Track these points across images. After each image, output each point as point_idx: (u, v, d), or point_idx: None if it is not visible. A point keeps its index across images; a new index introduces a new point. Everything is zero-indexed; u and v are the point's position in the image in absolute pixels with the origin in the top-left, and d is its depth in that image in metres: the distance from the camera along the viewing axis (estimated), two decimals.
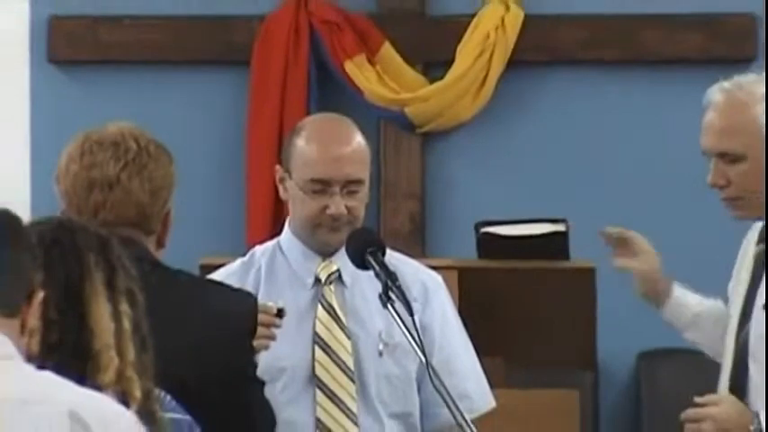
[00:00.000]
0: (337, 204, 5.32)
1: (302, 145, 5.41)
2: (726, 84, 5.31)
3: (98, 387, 3.57)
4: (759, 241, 5.49)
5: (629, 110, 7.10)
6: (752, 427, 5.35)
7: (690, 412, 5.51)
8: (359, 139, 5.44)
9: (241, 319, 4.88)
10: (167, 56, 7.50)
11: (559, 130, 7.27)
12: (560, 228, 6.76)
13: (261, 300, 5.14)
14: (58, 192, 4.88)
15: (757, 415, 5.38)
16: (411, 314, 4.98)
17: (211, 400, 4.27)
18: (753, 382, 5.44)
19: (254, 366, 4.91)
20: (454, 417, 4.79)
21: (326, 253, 5.39)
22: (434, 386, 4.95)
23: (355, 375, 5.39)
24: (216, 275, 5.45)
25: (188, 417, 3.98)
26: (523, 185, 7.42)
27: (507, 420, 5.58)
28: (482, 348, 5.62)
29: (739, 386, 5.47)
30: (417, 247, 6.76)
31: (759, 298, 5.44)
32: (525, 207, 7.18)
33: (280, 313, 5.06)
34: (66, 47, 7.51)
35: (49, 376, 3.45)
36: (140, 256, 4.29)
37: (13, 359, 3.39)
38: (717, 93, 5.31)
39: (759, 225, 5.49)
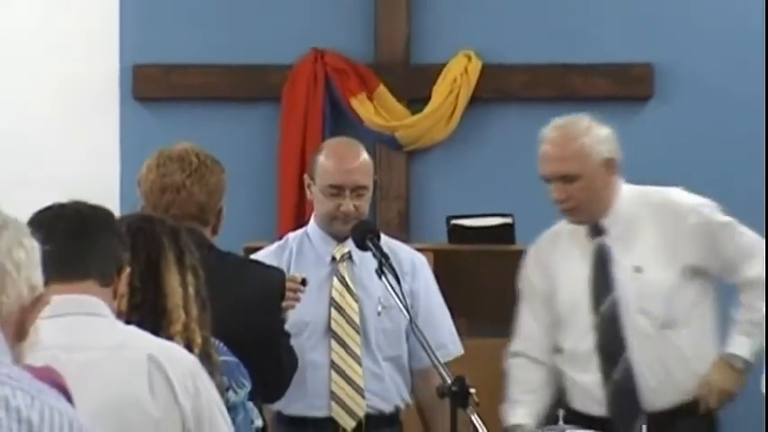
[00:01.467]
0: (348, 204, 5.40)
1: (323, 160, 5.48)
2: (557, 122, 5.26)
3: (169, 337, 3.68)
4: (594, 236, 5.36)
5: None
6: (738, 366, 5.26)
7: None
8: (365, 156, 5.52)
9: (272, 288, 4.95)
10: (220, 94, 7.43)
11: (508, 150, 7.21)
12: (508, 221, 6.80)
13: (292, 272, 5.22)
14: (138, 193, 4.95)
15: (732, 354, 5.22)
16: (399, 283, 5.04)
17: (251, 347, 4.28)
18: (647, 330, 5.28)
19: (283, 322, 4.98)
20: (431, 359, 4.84)
21: (340, 239, 5.47)
22: (416, 336, 5.01)
23: (360, 329, 5.46)
24: (257, 255, 5.55)
25: (235, 359, 4.03)
26: (482, 190, 7.34)
27: (471, 362, 5.43)
28: (452, 310, 5.63)
29: (611, 343, 5.29)
30: (404, 235, 6.75)
31: (619, 267, 5.31)
32: (483, 205, 7.08)
33: (303, 282, 5.07)
34: (146, 88, 7.45)
35: (133, 329, 3.53)
36: (200, 242, 4.39)
37: (108, 317, 3.46)
38: (551, 130, 5.28)
39: (555, 230, 5.51)
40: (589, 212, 5.31)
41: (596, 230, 5.34)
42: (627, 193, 5.37)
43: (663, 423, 5.21)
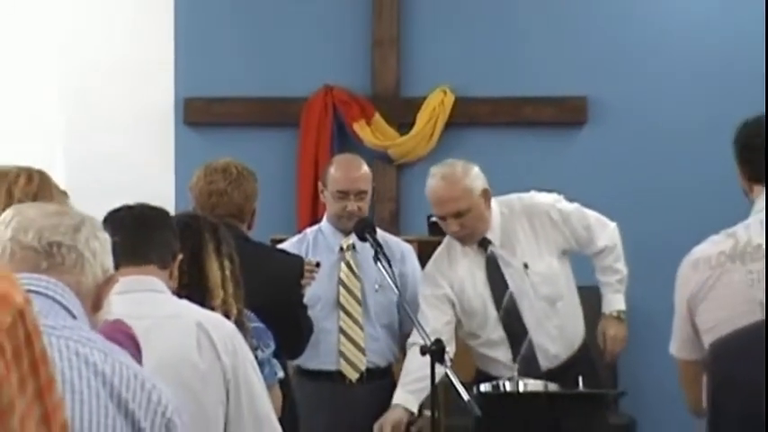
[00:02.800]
0: (352, 205, 5.41)
1: (333, 172, 5.48)
2: (439, 171, 5.20)
3: (212, 308, 3.68)
4: (483, 248, 5.26)
5: (517, 152, 6.94)
6: (623, 317, 5.33)
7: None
8: (365, 168, 5.53)
9: (293, 270, 4.97)
10: (251, 120, 7.39)
11: (475, 164, 7.11)
12: None
13: (309, 258, 5.22)
14: (190, 197, 4.96)
15: (617, 310, 5.33)
16: (390, 267, 5.05)
17: (276, 316, 4.25)
18: (544, 310, 5.27)
19: (302, 296, 4.99)
20: (415, 326, 4.85)
21: (346, 232, 5.46)
22: (403, 307, 5.01)
23: (362, 303, 5.47)
24: (282, 245, 5.57)
25: (262, 325, 4.05)
26: None
27: None
28: None
29: (515, 330, 5.26)
30: (394, 229, 6.74)
31: (511, 268, 5.24)
32: None
33: (318, 265, 5.07)
34: (193, 115, 7.43)
35: (184, 302, 3.55)
36: (237, 234, 4.43)
37: (165, 293, 3.48)
38: (437, 180, 5.21)
39: (446, 247, 5.35)
40: (478, 234, 5.25)
41: (484, 243, 5.28)
42: (495, 207, 5.31)
43: (560, 373, 5.22)
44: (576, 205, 5.34)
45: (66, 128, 7.32)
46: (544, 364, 5.27)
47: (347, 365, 5.41)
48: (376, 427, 5.10)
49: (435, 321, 5.20)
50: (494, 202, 5.31)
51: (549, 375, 5.21)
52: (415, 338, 4.98)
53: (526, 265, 5.25)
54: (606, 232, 5.33)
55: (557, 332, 5.29)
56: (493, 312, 5.26)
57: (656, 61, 7.31)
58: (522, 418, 5.23)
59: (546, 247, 5.29)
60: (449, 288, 5.30)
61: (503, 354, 5.28)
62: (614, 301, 5.34)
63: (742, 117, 3.93)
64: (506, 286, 5.25)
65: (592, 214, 5.34)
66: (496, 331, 5.27)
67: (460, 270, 5.31)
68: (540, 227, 5.28)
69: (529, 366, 5.25)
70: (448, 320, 5.28)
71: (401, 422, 5.12)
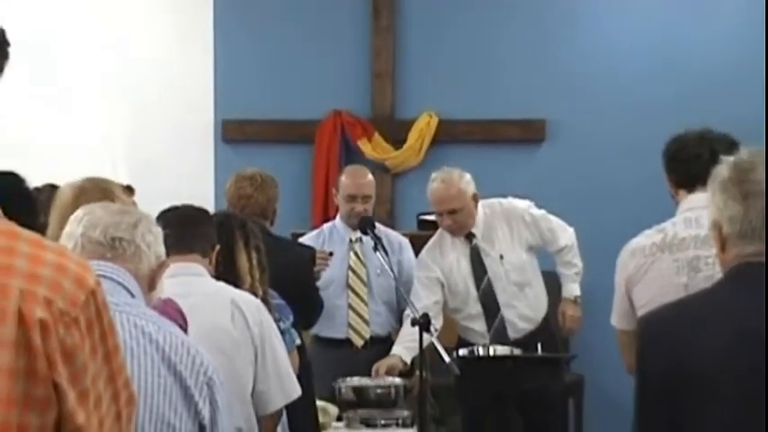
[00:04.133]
0: (359, 207, 5.43)
1: (344, 179, 5.50)
2: (439, 176, 5.23)
3: (242, 290, 3.65)
4: (469, 241, 5.33)
5: (489, 165, 6.87)
6: (579, 302, 5.42)
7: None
8: (370, 176, 5.54)
9: (306, 258, 4.99)
10: (275, 138, 7.33)
11: None
12: None
13: (323, 248, 5.21)
14: (225, 199, 4.95)
15: (575, 295, 5.42)
16: (388, 256, 5.06)
17: (294, 295, 4.25)
18: (515, 293, 5.33)
19: (314, 280, 5.00)
20: (408, 304, 4.86)
21: (354, 228, 5.45)
22: (397, 289, 5.01)
23: (367, 284, 5.45)
24: (303, 238, 5.58)
25: (283, 302, 4.06)
26: None
27: None
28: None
29: (490, 308, 5.32)
30: (390, 226, 6.65)
31: (489, 258, 5.30)
32: None
33: (331, 254, 5.08)
34: (229, 134, 7.38)
35: (221, 284, 3.56)
36: (263, 230, 4.43)
37: (206, 276, 3.48)
38: (438, 182, 5.24)
39: (437, 239, 5.41)
40: (466, 229, 5.34)
41: (469, 236, 5.36)
42: (480, 208, 5.39)
43: (525, 342, 5.28)
44: (543, 211, 5.44)
45: (129, 143, 7.28)
46: (512, 334, 5.32)
47: (354, 334, 5.43)
48: (373, 368, 5.12)
49: (426, 299, 5.25)
50: (480, 203, 5.35)
51: (515, 343, 5.28)
52: (408, 312, 5.02)
53: (502, 257, 5.34)
54: (566, 234, 5.44)
55: (523, 310, 5.38)
56: (473, 292, 5.34)
57: (601, 90, 7.27)
58: (493, 377, 5.27)
59: (518, 243, 5.37)
60: (439, 272, 5.36)
61: (479, 326, 5.36)
62: (572, 289, 5.47)
63: (671, 134, 3.96)
64: (485, 272, 5.32)
65: (555, 219, 5.44)
66: (475, 307, 5.34)
67: (449, 258, 5.36)
68: (516, 226, 5.37)
69: (499, 336, 5.32)
70: (437, 300, 5.35)
71: (395, 367, 5.16)
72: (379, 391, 4.97)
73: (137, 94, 7.29)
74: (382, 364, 5.13)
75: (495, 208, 5.40)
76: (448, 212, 5.26)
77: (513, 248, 5.33)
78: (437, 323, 5.11)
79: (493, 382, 5.26)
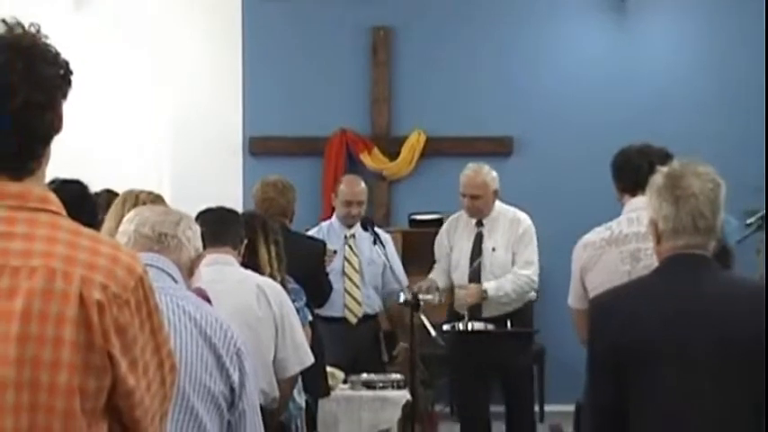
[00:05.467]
0: (354, 210, 5.40)
1: (342, 187, 5.47)
2: (472, 166, 5.23)
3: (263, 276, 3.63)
4: (477, 226, 5.31)
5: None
6: (485, 293, 5.25)
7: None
8: (363, 185, 5.52)
9: (318, 250, 4.94)
10: (292, 151, 7.29)
11: (441, 181, 6.98)
12: (439, 217, 6.62)
13: (328, 246, 5.18)
14: (252, 201, 4.93)
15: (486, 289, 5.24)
16: (384, 247, 5.04)
17: (307, 280, 4.22)
18: (493, 274, 5.27)
19: (324, 267, 4.95)
20: (399, 285, 4.85)
21: (349, 227, 5.42)
22: (391, 272, 5.00)
23: (359, 272, 5.41)
24: (310, 232, 5.48)
25: (297, 286, 4.02)
26: (426, 201, 7.15)
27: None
28: (411, 264, 5.60)
29: (475, 280, 5.28)
30: (386, 224, 6.75)
31: (485, 246, 5.28)
32: (426, 208, 7.01)
33: (335, 252, 5.06)
34: (255, 148, 7.35)
35: (249, 272, 3.53)
36: (282, 227, 4.40)
37: (236, 266, 3.46)
38: (470, 170, 5.23)
39: (455, 218, 5.40)
40: (480, 214, 5.32)
41: (479, 224, 5.33)
42: (498, 206, 5.38)
43: (497, 320, 5.27)
44: (533, 237, 5.35)
45: (172, 156, 7.26)
46: (485, 313, 5.30)
47: (349, 313, 5.41)
48: (415, 287, 5.14)
49: (441, 270, 5.35)
50: (499, 203, 5.36)
51: (493, 320, 5.28)
52: (432, 275, 5.26)
53: (494, 249, 5.30)
54: (527, 265, 5.31)
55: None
56: (467, 267, 5.31)
57: (560, 113, 7.27)
58: (471, 347, 5.28)
59: (509, 244, 5.34)
60: (448, 245, 5.37)
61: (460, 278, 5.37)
62: (491, 286, 5.29)
63: (617, 149, 3.94)
64: (480, 254, 5.29)
65: (535, 249, 5.35)
66: (464, 279, 5.31)
67: (459, 234, 5.38)
68: (513, 232, 5.34)
69: (478, 313, 5.27)
70: (444, 269, 5.36)
71: (432, 285, 5.19)
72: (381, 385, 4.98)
73: (178, 115, 7.30)
74: (423, 283, 5.19)
75: (508, 213, 5.38)
76: (471, 196, 5.24)
77: (503, 248, 5.31)
78: (441, 284, 5.23)
79: (471, 351, 5.27)
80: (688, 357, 2.35)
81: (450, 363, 5.48)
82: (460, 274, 5.31)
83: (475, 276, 5.29)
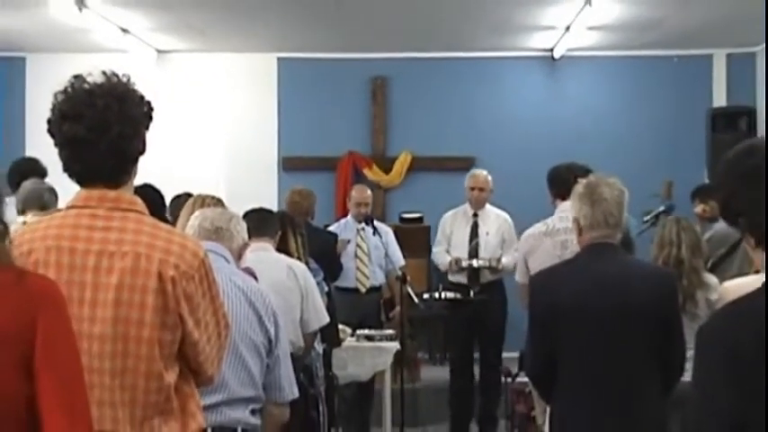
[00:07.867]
0: (362, 210, 5.30)
1: (353, 193, 5.38)
2: (478, 171, 5.13)
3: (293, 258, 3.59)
4: (473, 216, 5.17)
5: (442, 187, 6.74)
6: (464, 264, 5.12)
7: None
8: (368, 192, 5.43)
9: (332, 240, 4.89)
10: (313, 167, 7.21)
11: (424, 190, 6.98)
12: (421, 215, 6.64)
13: (342, 236, 5.13)
14: (284, 204, 4.87)
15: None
16: (381, 238, 4.99)
17: (324, 261, 4.17)
18: (486, 251, 5.13)
19: (336, 252, 4.88)
20: (394, 267, 4.82)
21: (360, 221, 5.33)
22: (388, 257, 4.95)
23: (367, 254, 5.33)
24: (330, 228, 5.40)
25: (317, 266, 3.96)
26: (413, 204, 7.08)
27: (409, 269, 5.35)
28: (407, 251, 5.52)
29: (473, 256, 5.15)
30: (382, 221, 6.64)
31: (480, 231, 5.15)
32: (413, 209, 6.93)
33: (348, 241, 5.01)
34: (287, 165, 7.28)
35: (282, 256, 3.49)
36: (306, 223, 4.34)
37: (273, 252, 3.44)
38: (477, 172, 5.14)
39: (455, 210, 5.23)
40: (480, 205, 5.21)
41: (475, 215, 5.24)
42: (489, 207, 5.27)
43: (486, 286, 5.19)
44: (514, 237, 5.09)
45: (226, 172, 7.23)
46: (482, 279, 5.21)
47: (360, 285, 5.38)
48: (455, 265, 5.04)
49: (442, 249, 5.19)
50: (487, 204, 5.25)
51: (482, 286, 5.17)
52: (437, 248, 5.12)
53: (487, 233, 5.20)
54: (507, 255, 5.14)
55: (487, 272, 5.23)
56: (466, 247, 5.20)
57: (511, 139, 7.23)
58: (449, 312, 5.23)
59: (497, 232, 5.22)
60: (449, 230, 5.26)
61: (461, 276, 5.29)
62: (506, 261, 5.14)
63: (551, 165, 3.97)
64: (477, 236, 5.20)
65: (514, 248, 5.06)
66: (463, 255, 5.20)
67: (458, 222, 5.27)
68: (500, 228, 5.23)
69: (472, 282, 5.20)
70: (445, 248, 5.25)
71: (448, 262, 5.06)
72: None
73: (229, 142, 7.29)
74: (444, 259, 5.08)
75: (494, 210, 5.28)
76: (479, 189, 5.13)
77: (493, 234, 5.20)
78: (444, 260, 5.10)
79: (448, 315, 5.25)
80: (599, 316, 2.39)
81: (446, 322, 5.37)
82: (461, 251, 5.22)
83: (473, 252, 5.20)
